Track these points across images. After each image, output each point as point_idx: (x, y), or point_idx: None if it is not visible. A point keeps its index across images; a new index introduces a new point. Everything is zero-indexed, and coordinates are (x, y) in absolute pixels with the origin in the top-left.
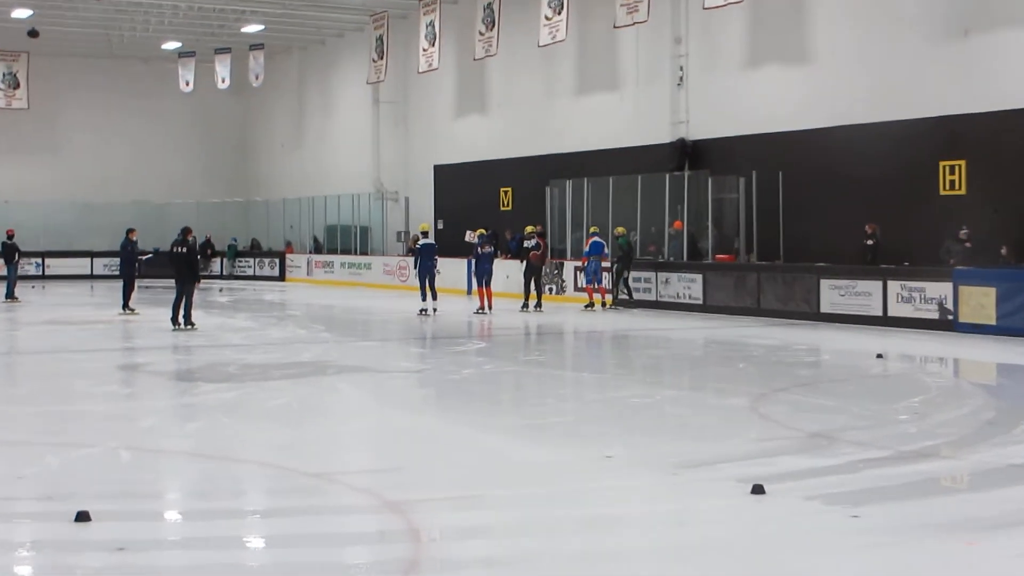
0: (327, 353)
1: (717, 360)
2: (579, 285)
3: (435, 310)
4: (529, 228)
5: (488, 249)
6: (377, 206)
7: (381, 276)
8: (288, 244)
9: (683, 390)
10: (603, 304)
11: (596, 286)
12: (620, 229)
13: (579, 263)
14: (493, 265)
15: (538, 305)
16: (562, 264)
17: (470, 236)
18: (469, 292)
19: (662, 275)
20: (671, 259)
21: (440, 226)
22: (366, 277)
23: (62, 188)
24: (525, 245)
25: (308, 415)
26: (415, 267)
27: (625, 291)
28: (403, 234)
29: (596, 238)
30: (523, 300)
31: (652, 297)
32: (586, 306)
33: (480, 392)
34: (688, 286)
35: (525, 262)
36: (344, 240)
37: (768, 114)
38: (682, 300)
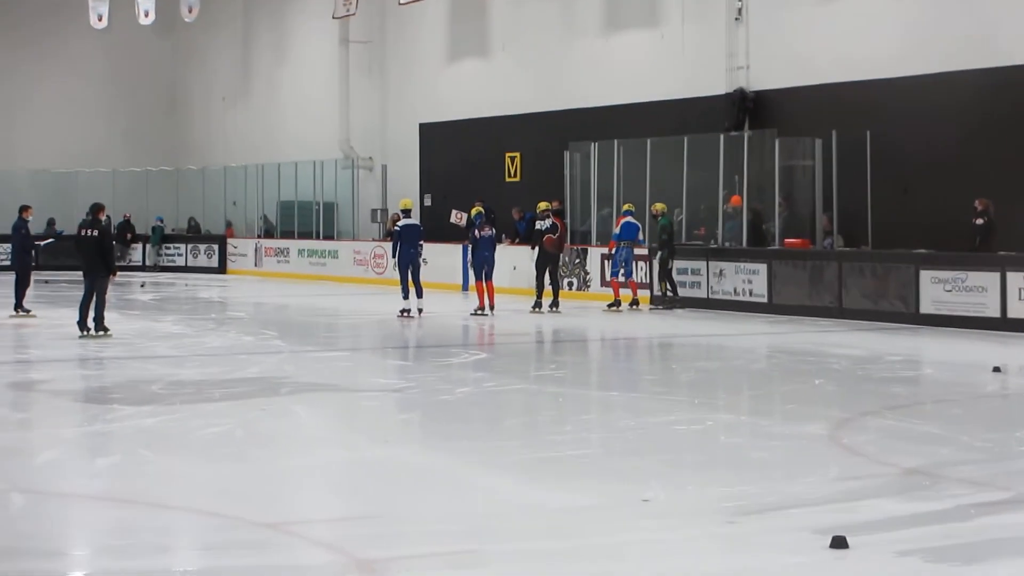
0: (281, 367)
1: (786, 375)
2: (607, 278)
3: (420, 311)
4: (543, 205)
5: (488, 232)
6: (346, 177)
7: (351, 267)
8: (228, 226)
9: (742, 414)
10: (632, 303)
11: (625, 279)
12: (659, 206)
13: (606, 249)
14: (495, 252)
15: (554, 304)
16: (585, 251)
17: (457, 217)
18: (465, 287)
19: (715, 265)
20: (727, 245)
21: (427, 202)
22: (331, 268)
23: None
24: (538, 227)
25: (256, 447)
26: (395, 255)
27: (668, 287)
28: (379, 212)
29: (630, 218)
30: (535, 298)
31: (701, 293)
32: (610, 304)
33: (478, 417)
34: (749, 279)
35: (538, 249)
36: (303, 220)
37: (851, 58)
38: (741, 297)
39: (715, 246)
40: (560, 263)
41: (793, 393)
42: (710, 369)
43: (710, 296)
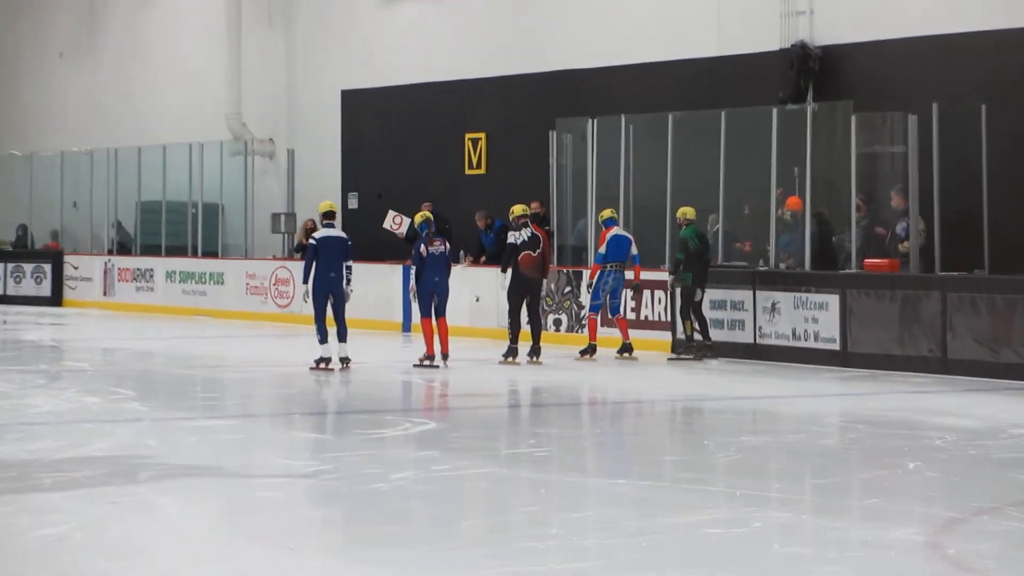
0: (140, 441)
1: (867, 456)
2: (608, 314)
3: (345, 361)
4: (518, 209)
5: (440, 247)
6: (236, 167)
7: (242, 297)
8: (54, 238)
9: (803, 512)
10: (622, 349)
11: (611, 316)
12: (686, 212)
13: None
14: (448, 277)
15: (533, 352)
16: (580, 275)
17: (394, 222)
18: (407, 327)
19: (765, 296)
20: (781, 266)
21: (352, 204)
22: (215, 299)
23: None
24: (511, 240)
25: (104, 558)
26: (307, 280)
27: (694, 327)
28: (284, 219)
29: (617, 230)
30: (508, 342)
31: (744, 336)
32: (583, 351)
33: (425, 515)
34: (813, 316)
35: (511, 272)
36: (174, 230)
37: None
38: (801, 343)
39: (765, 268)
40: (543, 292)
41: (877, 482)
42: (757, 447)
43: (757, 340)
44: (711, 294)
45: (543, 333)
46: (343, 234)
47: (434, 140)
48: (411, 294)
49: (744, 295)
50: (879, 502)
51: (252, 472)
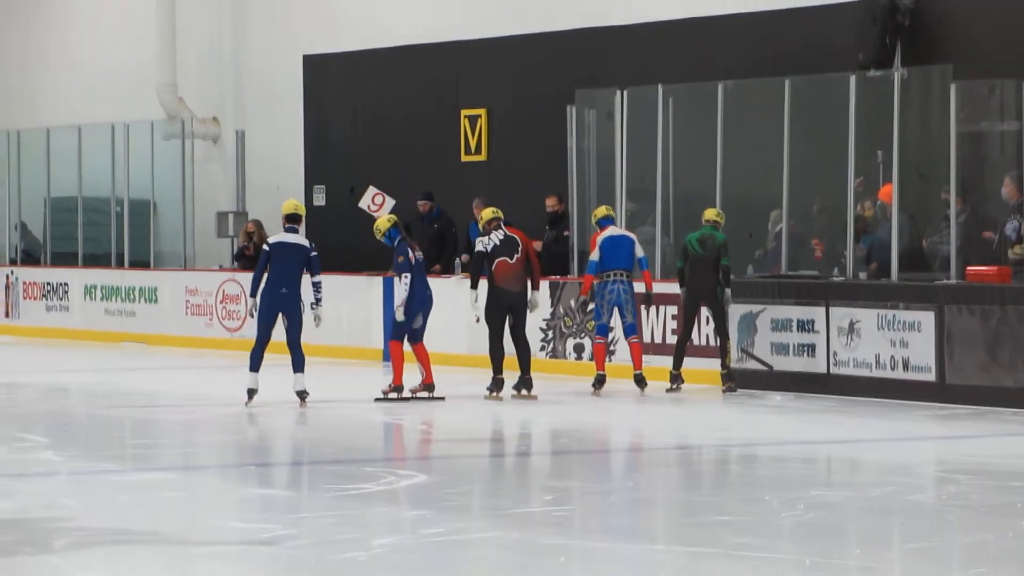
0: (54, 499)
1: (972, 515)
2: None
3: (303, 396)
4: (487, 213)
5: (419, 255)
6: (171, 153)
7: (182, 319)
8: None
9: None
10: (637, 379)
11: (626, 337)
12: (706, 213)
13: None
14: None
15: (522, 384)
16: (604, 285)
17: (375, 202)
18: (387, 355)
19: (840, 314)
20: (861, 276)
21: (318, 200)
22: (146, 321)
23: None
24: (479, 248)
25: None
26: (256, 294)
27: (728, 352)
28: (232, 219)
29: (613, 229)
30: (492, 371)
31: (815, 364)
32: (595, 382)
33: None
34: (902, 339)
35: (485, 286)
36: (94, 233)
37: None
38: (888, 372)
39: (840, 279)
40: (531, 308)
41: (982, 548)
42: (832, 504)
43: (831, 370)
44: (773, 313)
45: (530, 358)
46: (306, 242)
47: (422, 119)
48: (398, 310)
49: (814, 313)
50: (985, 573)
51: (196, 538)
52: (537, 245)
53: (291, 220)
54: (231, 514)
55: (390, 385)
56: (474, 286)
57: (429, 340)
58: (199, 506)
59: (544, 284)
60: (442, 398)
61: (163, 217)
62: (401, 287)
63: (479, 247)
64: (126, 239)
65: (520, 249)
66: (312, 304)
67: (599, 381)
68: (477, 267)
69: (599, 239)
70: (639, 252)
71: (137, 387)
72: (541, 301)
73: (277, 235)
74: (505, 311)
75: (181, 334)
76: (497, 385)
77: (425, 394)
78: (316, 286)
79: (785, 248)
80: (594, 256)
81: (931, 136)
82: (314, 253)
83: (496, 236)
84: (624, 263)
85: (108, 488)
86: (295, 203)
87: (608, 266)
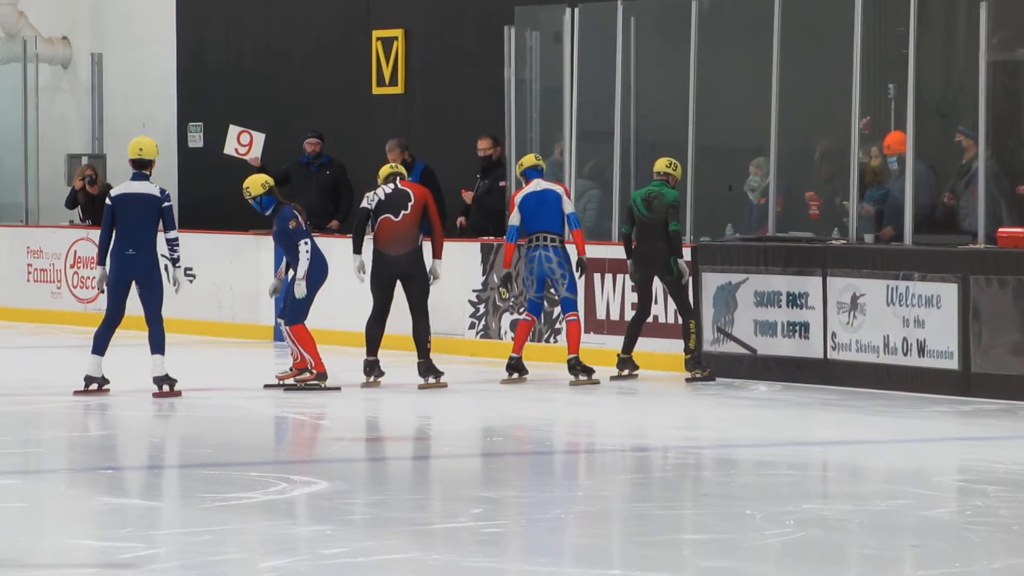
0: None
1: (999, 533)
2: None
3: (168, 383)
4: (385, 169)
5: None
6: (9, 81)
7: (23, 287)
8: None
9: None
10: (570, 365)
11: (564, 312)
12: (658, 164)
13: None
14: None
15: (426, 370)
16: (526, 252)
17: (241, 143)
18: (279, 333)
19: (841, 285)
20: (867, 239)
21: (195, 141)
22: None
23: None
24: (363, 205)
25: None
26: (103, 260)
27: (694, 331)
28: (85, 162)
29: (536, 182)
30: (365, 353)
31: (809, 348)
32: (510, 368)
33: None
34: (916, 317)
35: (370, 253)
36: None
37: None
38: (898, 358)
39: (842, 241)
40: (433, 278)
41: (1014, 574)
42: (829, 520)
43: (829, 354)
44: (756, 286)
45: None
46: (156, 189)
47: (324, 41)
48: (298, 285)
49: (808, 284)
50: None
51: (38, 560)
52: (467, 196)
53: (138, 166)
54: (83, 530)
55: (314, 370)
56: (355, 250)
57: (328, 317)
58: (42, 520)
59: (474, 247)
60: (338, 388)
61: (0, 161)
62: (304, 257)
63: (364, 203)
64: None
65: (410, 206)
66: (169, 266)
67: (510, 366)
68: (359, 227)
69: (517, 198)
70: (567, 208)
71: None
72: (468, 268)
73: (121, 185)
74: (390, 280)
75: (21, 306)
76: (369, 368)
77: (316, 383)
78: (171, 244)
79: (772, 206)
80: (513, 219)
81: (955, 66)
82: (167, 203)
83: (384, 189)
84: (551, 224)
85: None
86: (143, 142)
87: (531, 229)
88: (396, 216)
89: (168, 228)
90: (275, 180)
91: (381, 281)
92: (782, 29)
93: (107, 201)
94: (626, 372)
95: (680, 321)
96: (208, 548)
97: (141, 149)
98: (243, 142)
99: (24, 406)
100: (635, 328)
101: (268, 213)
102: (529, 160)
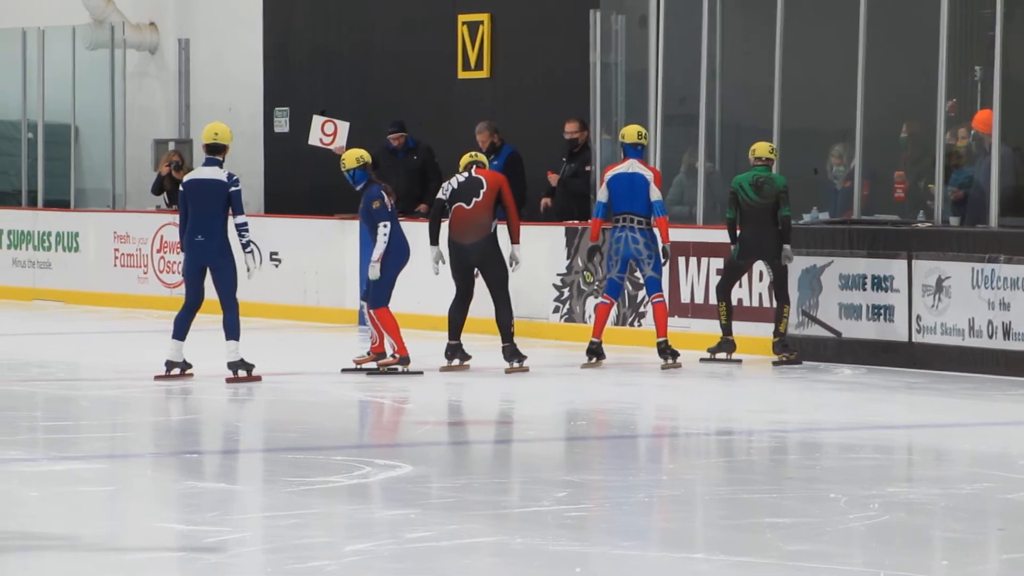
0: None
1: None
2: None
3: (244, 368)
4: (465, 158)
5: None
6: (96, 67)
7: (110, 272)
8: None
9: None
10: (660, 348)
11: (648, 297)
12: (756, 148)
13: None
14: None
15: (511, 354)
16: (612, 232)
17: (326, 132)
18: (363, 316)
19: (926, 268)
20: (952, 222)
21: (281, 126)
22: (63, 274)
23: None
24: (438, 196)
25: None
26: (182, 241)
27: (784, 316)
28: (172, 148)
29: (629, 163)
30: (448, 339)
31: (894, 331)
32: (590, 352)
33: None
34: (1002, 299)
35: (445, 241)
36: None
37: None
38: (983, 341)
39: (927, 224)
40: (513, 263)
41: None
42: (914, 503)
43: (914, 338)
44: (840, 268)
45: (512, 323)
46: (223, 175)
47: (410, 26)
48: (373, 267)
49: (893, 267)
50: None
51: (124, 543)
52: (552, 179)
53: (212, 151)
54: (168, 513)
55: (396, 354)
56: (432, 241)
57: (414, 301)
58: (128, 503)
59: (558, 231)
60: (420, 372)
61: (87, 146)
62: (381, 239)
63: (439, 193)
64: (40, 173)
65: (482, 193)
66: (243, 251)
67: (590, 351)
68: (434, 218)
69: (608, 174)
70: (654, 195)
71: (52, 356)
72: (552, 252)
73: (193, 171)
74: (467, 268)
75: (108, 290)
76: (451, 352)
77: (399, 368)
78: (240, 229)
79: (857, 189)
80: (601, 195)
81: None
82: (234, 188)
83: (458, 178)
84: (637, 207)
85: (15, 481)
86: (218, 127)
87: (618, 209)
88: (468, 204)
89: (236, 212)
90: None
91: (459, 269)
92: (868, 11)
93: (180, 188)
94: (719, 354)
95: (775, 304)
96: (292, 532)
97: (216, 134)
98: (327, 132)
99: (110, 391)
100: (729, 310)
101: (359, 188)
102: (631, 136)
